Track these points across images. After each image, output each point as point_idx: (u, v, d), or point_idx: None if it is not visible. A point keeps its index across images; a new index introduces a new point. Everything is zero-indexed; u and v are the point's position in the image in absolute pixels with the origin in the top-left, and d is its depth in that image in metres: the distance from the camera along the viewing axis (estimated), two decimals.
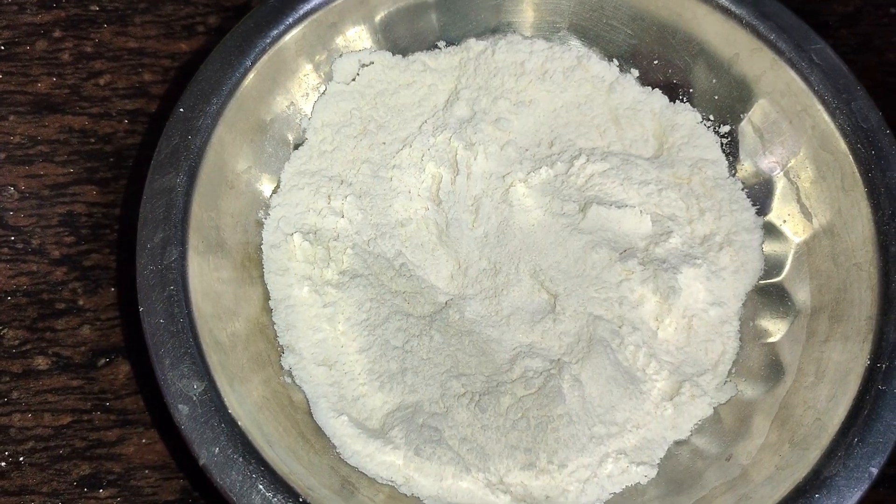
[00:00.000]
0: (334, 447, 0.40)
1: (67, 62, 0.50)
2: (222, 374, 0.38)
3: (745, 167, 0.46)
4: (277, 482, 0.36)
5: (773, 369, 0.42)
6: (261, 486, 0.35)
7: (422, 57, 0.48)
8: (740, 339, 0.43)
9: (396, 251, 0.44)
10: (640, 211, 0.44)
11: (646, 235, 0.44)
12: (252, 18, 0.45)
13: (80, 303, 0.45)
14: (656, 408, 0.41)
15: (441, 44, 0.49)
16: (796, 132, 0.45)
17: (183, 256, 0.39)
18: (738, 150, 0.47)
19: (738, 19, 0.45)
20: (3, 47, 0.50)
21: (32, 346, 0.44)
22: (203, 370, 0.37)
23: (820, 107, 0.44)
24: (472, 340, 0.42)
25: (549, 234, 0.44)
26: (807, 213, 0.44)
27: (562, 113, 0.47)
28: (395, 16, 0.48)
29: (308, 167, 0.45)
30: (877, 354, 0.39)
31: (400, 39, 0.48)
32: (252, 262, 0.43)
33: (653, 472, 0.40)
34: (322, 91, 0.47)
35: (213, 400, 0.37)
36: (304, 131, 0.46)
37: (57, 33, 0.50)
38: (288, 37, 0.45)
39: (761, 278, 0.44)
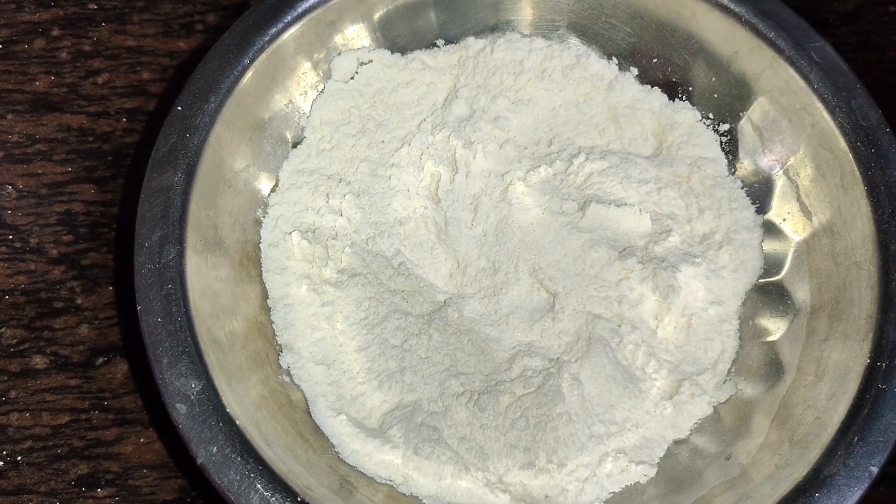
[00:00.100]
0: (333, 446, 0.40)
1: (65, 61, 0.50)
2: (220, 373, 0.38)
3: (745, 165, 0.46)
4: (275, 481, 0.35)
5: (773, 368, 0.42)
6: (259, 486, 0.35)
7: (420, 55, 0.48)
8: (740, 338, 0.43)
9: (395, 250, 0.44)
10: (640, 209, 0.44)
11: (645, 234, 0.44)
12: (250, 17, 0.45)
13: (79, 302, 0.45)
14: (656, 407, 0.41)
15: (440, 42, 0.48)
16: (796, 130, 0.45)
17: (181, 255, 0.39)
18: (737, 148, 0.47)
19: (738, 17, 0.45)
20: (0, 46, 0.50)
21: (30, 345, 0.44)
22: (201, 369, 0.37)
23: (819, 105, 0.44)
24: (471, 339, 0.42)
25: (549, 233, 0.44)
26: (806, 212, 0.44)
27: (561, 111, 0.47)
28: (393, 14, 0.47)
29: (306, 166, 0.45)
30: (877, 353, 0.39)
31: (399, 38, 0.48)
32: (250, 261, 0.43)
33: (652, 472, 0.40)
34: (321, 89, 0.47)
35: (211, 399, 0.37)
36: (303, 130, 0.46)
37: (55, 32, 0.50)
38: (286, 35, 0.45)
39: (761, 277, 0.44)
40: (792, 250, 0.44)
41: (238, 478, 0.35)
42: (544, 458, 0.39)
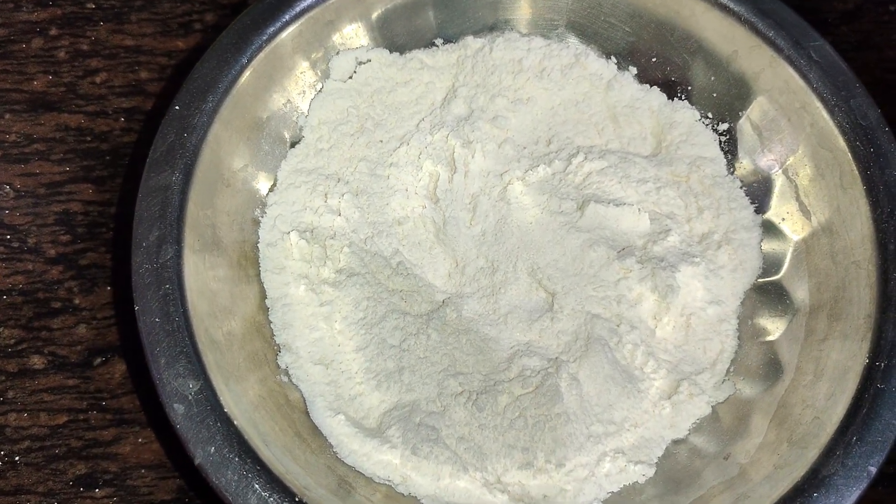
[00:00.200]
0: (331, 446, 0.40)
1: (63, 60, 0.50)
2: (218, 373, 0.38)
3: (744, 165, 0.46)
4: (273, 482, 0.35)
5: (772, 368, 0.42)
6: (257, 486, 0.35)
7: (419, 55, 0.48)
8: (739, 338, 0.43)
9: (393, 249, 0.44)
10: (639, 209, 0.44)
11: (644, 233, 0.44)
12: (248, 16, 0.45)
13: (76, 302, 0.45)
14: (654, 406, 0.41)
15: (438, 41, 0.48)
16: (795, 130, 0.45)
17: (179, 255, 0.39)
18: (736, 147, 0.46)
19: (737, 16, 0.45)
20: None
21: (28, 345, 0.44)
22: (199, 369, 0.37)
23: (819, 104, 0.44)
24: (470, 339, 0.42)
25: (547, 233, 0.44)
26: (805, 211, 0.44)
27: (559, 111, 0.47)
28: (392, 13, 0.47)
29: (305, 165, 0.45)
30: (875, 353, 0.39)
31: (397, 37, 0.48)
32: (248, 261, 0.43)
33: (651, 471, 0.40)
34: (319, 89, 0.47)
35: (209, 399, 0.37)
36: (301, 129, 0.46)
37: (53, 31, 0.50)
38: (284, 34, 0.45)
39: (760, 276, 0.44)
40: (791, 250, 0.44)
41: (236, 478, 0.35)
42: (543, 457, 0.39)
